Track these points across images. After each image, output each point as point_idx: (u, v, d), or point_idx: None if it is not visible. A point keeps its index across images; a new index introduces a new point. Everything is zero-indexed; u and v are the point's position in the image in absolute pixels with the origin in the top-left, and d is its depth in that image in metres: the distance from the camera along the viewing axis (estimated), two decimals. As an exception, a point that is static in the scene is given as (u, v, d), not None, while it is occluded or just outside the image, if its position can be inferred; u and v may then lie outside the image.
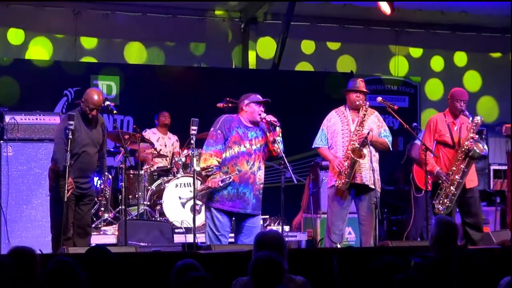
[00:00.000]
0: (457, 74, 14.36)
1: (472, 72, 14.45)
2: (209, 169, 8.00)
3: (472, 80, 14.31)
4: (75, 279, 4.44)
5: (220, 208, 8.06)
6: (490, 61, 14.54)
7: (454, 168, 8.98)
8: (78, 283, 4.44)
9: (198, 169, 9.14)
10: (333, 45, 13.82)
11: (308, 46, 13.68)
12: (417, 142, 10.43)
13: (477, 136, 9.12)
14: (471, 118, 9.03)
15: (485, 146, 9.08)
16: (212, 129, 8.17)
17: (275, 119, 8.16)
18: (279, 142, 8.10)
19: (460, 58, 14.46)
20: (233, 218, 8.19)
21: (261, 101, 8.20)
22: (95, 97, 8.37)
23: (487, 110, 13.98)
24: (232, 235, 8.58)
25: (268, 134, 8.12)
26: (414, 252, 6.38)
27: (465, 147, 8.96)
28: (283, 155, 8.25)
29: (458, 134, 9.06)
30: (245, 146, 8.07)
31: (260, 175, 8.20)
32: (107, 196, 9.95)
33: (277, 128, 8.11)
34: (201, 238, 9.19)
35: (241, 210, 8.08)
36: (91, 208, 8.91)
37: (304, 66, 13.60)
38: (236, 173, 7.98)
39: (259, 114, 8.13)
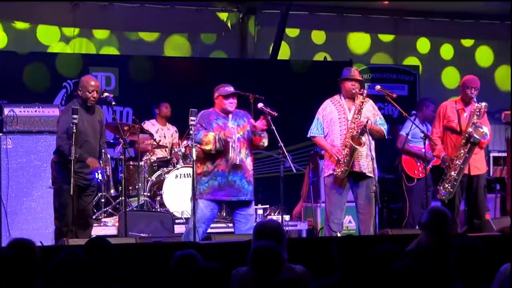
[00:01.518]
0: (458, 63, 14.36)
1: (472, 62, 14.43)
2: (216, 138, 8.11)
3: (472, 69, 14.29)
4: (85, 271, 4.45)
5: (210, 199, 8.17)
6: (489, 49, 14.52)
7: (458, 153, 9.00)
8: (87, 275, 4.46)
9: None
10: (332, 34, 13.80)
11: (307, 36, 13.66)
12: (401, 133, 10.45)
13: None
14: (476, 104, 9.04)
15: (486, 131, 9.06)
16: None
17: (270, 110, 8.41)
18: (263, 134, 8.30)
19: (460, 46, 14.44)
20: (223, 208, 8.28)
21: (228, 94, 8.34)
22: (92, 81, 8.46)
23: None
24: (215, 225, 9.00)
25: (257, 124, 8.17)
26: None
27: (467, 133, 8.98)
28: (281, 144, 8.34)
29: (467, 121, 9.07)
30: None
31: (249, 162, 8.34)
32: (108, 173, 9.73)
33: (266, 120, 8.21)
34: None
35: (234, 198, 8.22)
36: (93, 199, 8.90)
37: (302, 56, 13.58)
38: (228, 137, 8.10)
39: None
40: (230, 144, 8.14)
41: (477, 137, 8.96)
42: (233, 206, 8.31)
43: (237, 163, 8.15)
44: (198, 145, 8.16)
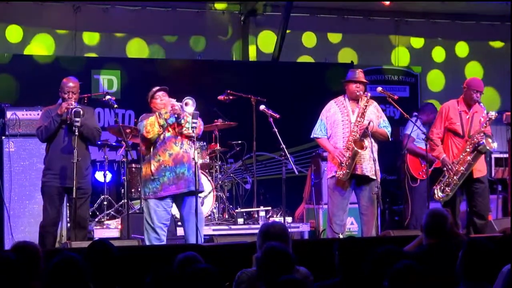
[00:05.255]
0: (458, 64, 14.36)
1: (473, 62, 14.43)
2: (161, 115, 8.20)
3: (473, 70, 14.29)
4: (79, 275, 4.46)
5: (163, 195, 8.21)
6: (491, 50, 14.52)
7: (461, 158, 9.01)
8: (81, 278, 4.47)
9: (200, 162, 9.19)
10: (333, 36, 13.81)
11: (308, 38, 13.67)
12: (406, 132, 10.44)
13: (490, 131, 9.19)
14: (485, 111, 9.05)
15: (495, 144, 9.17)
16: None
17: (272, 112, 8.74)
18: (188, 123, 8.24)
19: (461, 48, 14.44)
20: (172, 205, 8.36)
21: (154, 94, 8.45)
22: (69, 82, 8.58)
23: (489, 100, 13.95)
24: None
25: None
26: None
27: (474, 139, 8.98)
28: (283, 146, 8.35)
29: (469, 123, 9.09)
30: (169, 131, 8.26)
31: (193, 152, 8.32)
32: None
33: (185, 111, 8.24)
34: (204, 230, 9.22)
35: (186, 189, 8.25)
36: (85, 202, 8.67)
37: (304, 58, 13.59)
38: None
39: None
40: (172, 140, 8.23)
41: (488, 148, 9.03)
42: (181, 197, 8.33)
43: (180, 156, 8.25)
44: (144, 133, 8.17)
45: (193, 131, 8.19)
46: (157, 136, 8.20)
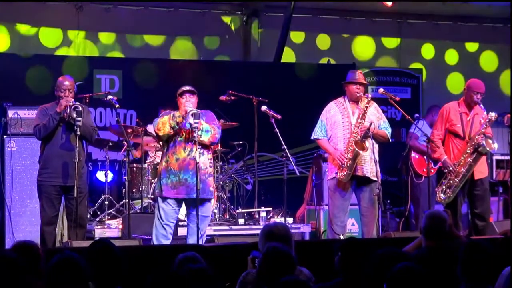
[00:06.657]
0: (459, 65, 14.36)
1: (473, 64, 14.43)
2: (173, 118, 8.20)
3: (474, 72, 14.29)
4: (79, 274, 4.47)
5: (165, 196, 8.26)
6: (491, 51, 14.53)
7: (462, 160, 9.02)
8: (82, 277, 4.47)
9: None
10: (335, 37, 13.81)
11: (310, 39, 13.68)
12: (411, 131, 10.47)
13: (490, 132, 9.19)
14: (485, 112, 9.05)
15: (495, 145, 9.15)
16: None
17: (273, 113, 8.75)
18: (201, 131, 8.21)
19: (463, 50, 14.44)
20: (181, 206, 8.36)
21: (182, 92, 8.43)
22: (66, 81, 8.56)
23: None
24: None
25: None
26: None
27: (475, 141, 8.99)
28: (285, 147, 8.33)
29: (470, 125, 9.09)
30: (182, 135, 8.28)
31: (204, 160, 8.32)
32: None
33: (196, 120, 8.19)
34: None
35: (186, 196, 8.24)
36: (83, 201, 8.59)
37: (306, 58, 13.59)
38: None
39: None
40: (182, 145, 8.24)
41: (488, 149, 9.03)
42: (188, 204, 8.34)
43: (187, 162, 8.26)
44: (156, 129, 8.25)
45: (194, 131, 8.18)
46: (167, 136, 8.23)
